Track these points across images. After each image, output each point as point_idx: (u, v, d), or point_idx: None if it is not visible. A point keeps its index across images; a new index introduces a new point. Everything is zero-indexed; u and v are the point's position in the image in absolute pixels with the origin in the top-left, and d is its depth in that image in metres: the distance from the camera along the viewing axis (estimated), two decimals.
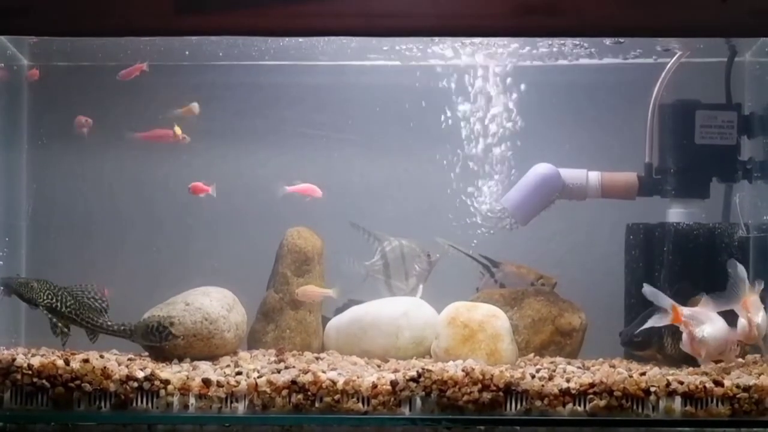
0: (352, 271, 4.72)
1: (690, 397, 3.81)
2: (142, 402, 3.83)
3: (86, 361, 3.95)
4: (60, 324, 4.18)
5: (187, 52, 4.64)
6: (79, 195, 5.02)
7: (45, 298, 4.20)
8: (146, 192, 4.97)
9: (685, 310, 4.04)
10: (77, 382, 3.84)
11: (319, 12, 3.98)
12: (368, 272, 4.75)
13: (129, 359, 4.16)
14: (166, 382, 3.85)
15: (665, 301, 4.03)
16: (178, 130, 4.70)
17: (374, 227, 4.81)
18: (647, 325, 4.10)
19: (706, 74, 4.73)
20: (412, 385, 3.84)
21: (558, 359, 4.42)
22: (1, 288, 4.27)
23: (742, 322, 4.07)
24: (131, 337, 4.21)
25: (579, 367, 4.18)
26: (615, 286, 4.73)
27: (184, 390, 3.84)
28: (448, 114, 4.88)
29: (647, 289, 4.05)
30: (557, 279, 4.72)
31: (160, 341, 4.18)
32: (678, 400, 3.82)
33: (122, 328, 4.21)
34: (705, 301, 4.08)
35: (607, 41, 4.45)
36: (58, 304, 4.20)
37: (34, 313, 4.24)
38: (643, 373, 3.94)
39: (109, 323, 4.21)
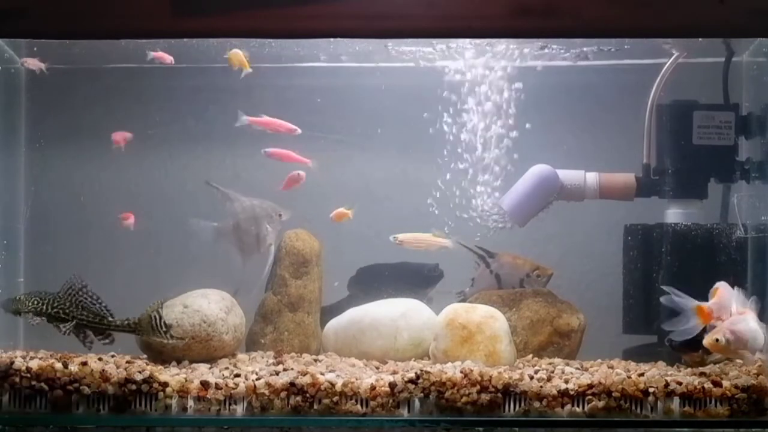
0: (200, 233, 4.65)
1: (689, 397, 3.82)
2: (140, 404, 3.84)
3: (85, 363, 3.95)
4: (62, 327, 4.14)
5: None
6: (77, 197, 5.01)
7: (31, 305, 4.14)
8: (144, 194, 4.96)
9: (711, 305, 4.02)
10: (76, 384, 3.84)
11: (316, 14, 3.98)
12: (218, 234, 4.70)
13: (127, 362, 4.16)
14: (165, 384, 3.85)
15: (688, 305, 4.01)
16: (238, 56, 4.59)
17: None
18: (681, 336, 4.04)
19: (704, 75, 4.74)
20: (411, 386, 3.84)
21: (556, 360, 4.42)
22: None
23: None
24: (136, 330, 4.16)
25: (577, 368, 4.18)
26: (613, 287, 4.73)
27: (183, 392, 3.85)
28: (446, 115, 4.88)
29: (665, 299, 4.02)
30: (553, 271, 4.72)
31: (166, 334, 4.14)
32: (676, 400, 3.82)
33: (126, 322, 4.17)
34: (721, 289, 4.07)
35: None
36: (46, 306, 4.14)
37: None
38: (642, 374, 3.94)
39: (111, 320, 4.17)
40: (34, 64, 4.59)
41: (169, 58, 4.52)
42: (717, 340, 3.89)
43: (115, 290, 4.47)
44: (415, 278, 4.70)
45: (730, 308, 4.02)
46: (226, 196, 4.68)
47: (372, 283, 4.73)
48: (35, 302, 4.12)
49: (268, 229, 4.65)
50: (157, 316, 4.12)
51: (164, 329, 4.12)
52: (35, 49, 4.56)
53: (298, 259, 4.63)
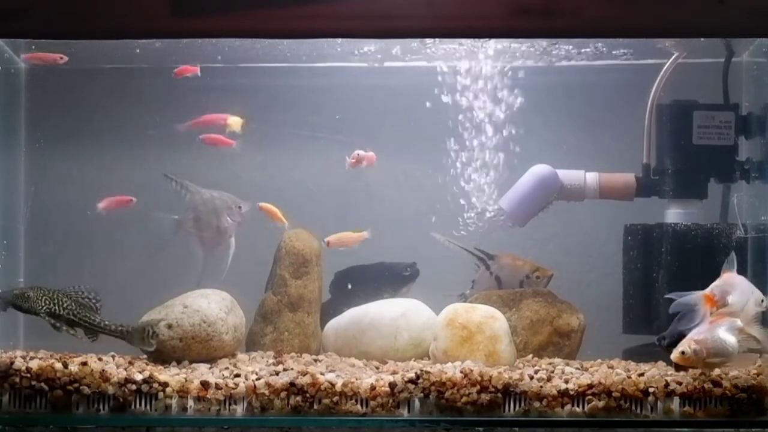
0: (162, 225, 4.63)
1: (689, 397, 3.82)
2: (140, 404, 3.84)
3: (85, 363, 3.95)
4: (64, 327, 4.17)
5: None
6: (77, 197, 5.01)
7: (44, 305, 4.18)
8: (144, 194, 4.96)
9: (714, 290, 3.99)
10: (76, 384, 3.84)
11: (316, 14, 3.98)
12: (179, 226, 4.68)
13: (129, 363, 4.15)
14: (165, 384, 3.85)
15: (694, 298, 3.98)
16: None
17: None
18: (691, 325, 4.01)
19: (704, 75, 4.74)
20: (411, 386, 3.84)
21: (556, 360, 4.42)
22: None
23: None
24: (126, 338, 4.21)
25: (577, 368, 4.18)
26: (613, 287, 4.73)
27: (183, 392, 3.84)
28: (446, 115, 4.88)
29: (674, 306, 3.98)
30: (553, 272, 4.72)
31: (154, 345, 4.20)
32: (676, 400, 3.82)
33: (120, 328, 4.20)
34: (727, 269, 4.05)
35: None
36: (56, 307, 4.18)
37: (33, 317, 4.24)
38: (642, 374, 3.94)
39: (107, 323, 4.21)
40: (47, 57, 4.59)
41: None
42: (683, 352, 3.86)
43: (115, 290, 4.48)
44: (391, 277, 4.71)
45: (731, 293, 3.99)
46: (186, 188, 4.67)
47: (352, 285, 4.74)
48: (47, 302, 4.19)
49: (228, 221, 4.64)
50: (150, 331, 4.18)
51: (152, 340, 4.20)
52: (33, 47, 4.56)
53: (298, 259, 4.63)
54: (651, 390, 3.82)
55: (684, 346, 3.85)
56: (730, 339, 3.89)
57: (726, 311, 3.97)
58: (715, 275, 4.20)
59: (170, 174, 4.66)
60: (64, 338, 4.25)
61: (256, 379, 3.89)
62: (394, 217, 4.96)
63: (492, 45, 4.63)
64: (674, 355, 3.87)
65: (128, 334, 4.19)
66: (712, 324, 3.91)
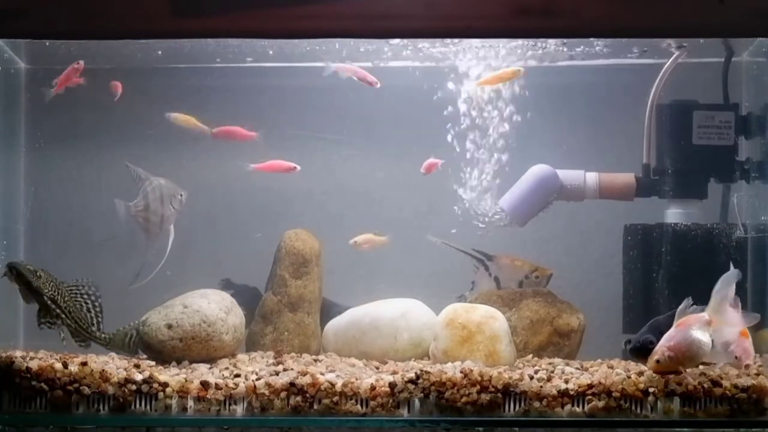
0: (119, 214, 4.63)
1: (689, 397, 3.82)
2: (140, 405, 3.84)
3: (85, 364, 3.95)
4: (56, 320, 4.17)
5: (184, 51, 4.64)
6: (77, 198, 5.01)
7: (49, 289, 4.17)
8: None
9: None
10: (76, 384, 3.84)
11: (316, 14, 3.98)
12: (130, 214, 4.65)
13: (135, 365, 4.14)
14: (165, 384, 3.85)
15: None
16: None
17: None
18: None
19: (704, 75, 4.74)
20: (411, 386, 3.84)
21: (556, 360, 4.42)
22: (7, 271, 4.23)
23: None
24: (107, 346, 4.26)
25: (577, 368, 4.18)
26: (613, 287, 4.73)
27: (183, 392, 3.85)
28: (446, 115, 4.88)
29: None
30: (552, 271, 4.72)
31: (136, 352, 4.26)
32: (676, 400, 3.82)
33: (103, 336, 4.23)
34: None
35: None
36: (59, 298, 4.18)
37: (33, 316, 4.23)
38: (642, 374, 3.94)
39: (93, 329, 4.21)
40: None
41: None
42: (658, 361, 3.83)
43: (114, 290, 4.48)
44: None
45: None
46: (140, 176, 4.65)
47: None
48: (53, 289, 4.17)
49: (171, 209, 4.63)
50: (134, 334, 4.26)
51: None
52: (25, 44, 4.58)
53: (298, 259, 4.63)
54: (651, 390, 3.82)
55: (658, 354, 3.83)
56: (703, 337, 3.87)
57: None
58: (716, 275, 4.20)
59: (129, 163, 4.65)
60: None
61: (256, 379, 3.89)
62: (393, 217, 4.96)
63: (492, 45, 4.63)
64: (649, 364, 3.85)
65: (110, 341, 4.25)
66: (682, 327, 3.89)
